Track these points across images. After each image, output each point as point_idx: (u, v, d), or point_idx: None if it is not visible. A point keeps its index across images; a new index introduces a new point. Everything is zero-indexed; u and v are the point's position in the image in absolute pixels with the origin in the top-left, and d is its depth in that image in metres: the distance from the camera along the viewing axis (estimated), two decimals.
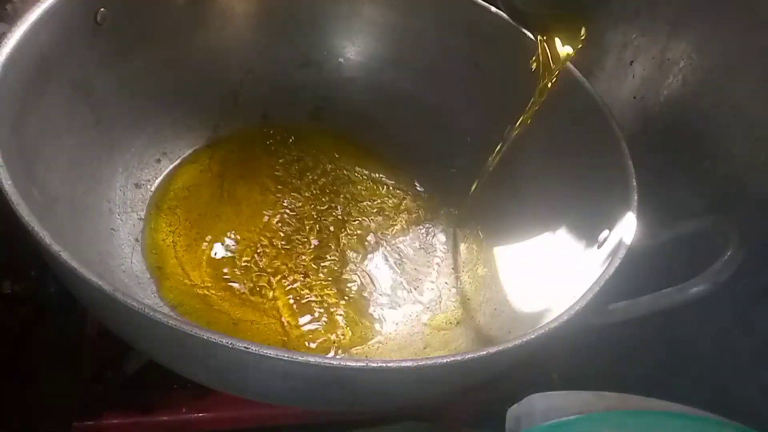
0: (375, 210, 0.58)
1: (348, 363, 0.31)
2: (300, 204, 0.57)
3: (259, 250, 0.52)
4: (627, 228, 0.41)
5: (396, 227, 0.57)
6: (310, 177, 0.59)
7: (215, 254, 0.51)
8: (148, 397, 0.47)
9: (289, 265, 0.52)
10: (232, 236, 0.53)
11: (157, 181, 0.54)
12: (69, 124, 0.46)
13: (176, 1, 0.52)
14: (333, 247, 0.54)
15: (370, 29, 0.59)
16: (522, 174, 0.55)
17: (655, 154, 0.50)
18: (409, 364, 0.32)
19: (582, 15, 0.49)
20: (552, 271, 0.47)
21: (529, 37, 0.52)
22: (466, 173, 0.59)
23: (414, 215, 0.59)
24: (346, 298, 0.51)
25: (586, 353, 0.53)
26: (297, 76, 0.60)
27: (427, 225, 0.58)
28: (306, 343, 0.48)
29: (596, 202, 0.46)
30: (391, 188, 0.60)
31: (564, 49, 0.48)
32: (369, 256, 0.54)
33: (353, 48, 0.60)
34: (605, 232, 0.43)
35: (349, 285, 0.52)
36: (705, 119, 0.46)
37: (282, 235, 0.54)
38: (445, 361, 0.33)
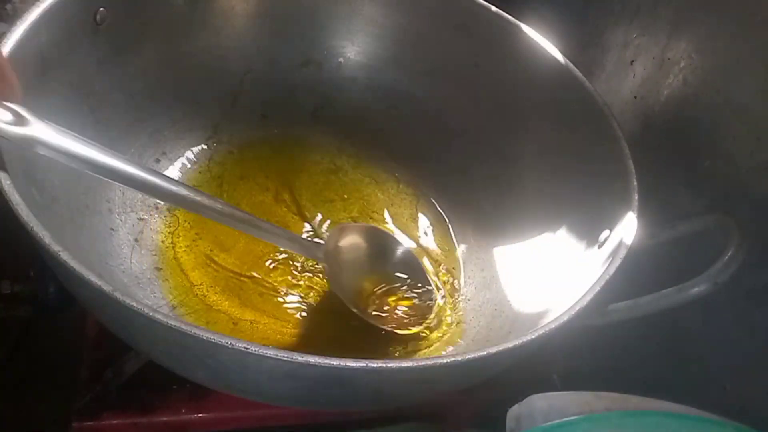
0: (375, 209, 0.58)
1: (348, 363, 0.31)
2: (300, 204, 0.57)
3: (258, 251, 0.52)
4: (628, 228, 0.40)
5: (396, 227, 0.57)
6: (311, 177, 0.59)
7: (214, 255, 0.51)
8: (148, 398, 0.47)
9: (289, 265, 0.52)
10: (232, 237, 0.52)
11: None
12: (68, 124, 0.45)
13: (176, 1, 0.52)
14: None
15: (370, 29, 0.58)
16: (522, 174, 0.55)
17: (655, 153, 0.50)
18: (409, 364, 0.32)
19: None
20: (552, 272, 0.47)
21: (528, 37, 0.52)
22: (467, 173, 0.59)
23: (414, 215, 0.59)
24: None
25: (587, 353, 0.53)
26: (297, 76, 0.60)
27: (427, 225, 0.58)
28: (305, 343, 0.48)
29: (597, 201, 0.46)
30: (391, 188, 0.60)
31: None
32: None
33: (353, 48, 0.60)
34: (606, 232, 0.43)
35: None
36: (705, 119, 0.46)
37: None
38: (445, 361, 0.33)
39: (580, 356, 0.54)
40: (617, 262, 0.38)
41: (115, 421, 0.46)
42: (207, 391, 0.47)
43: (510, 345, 0.33)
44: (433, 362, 0.33)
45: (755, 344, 0.42)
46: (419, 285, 0.52)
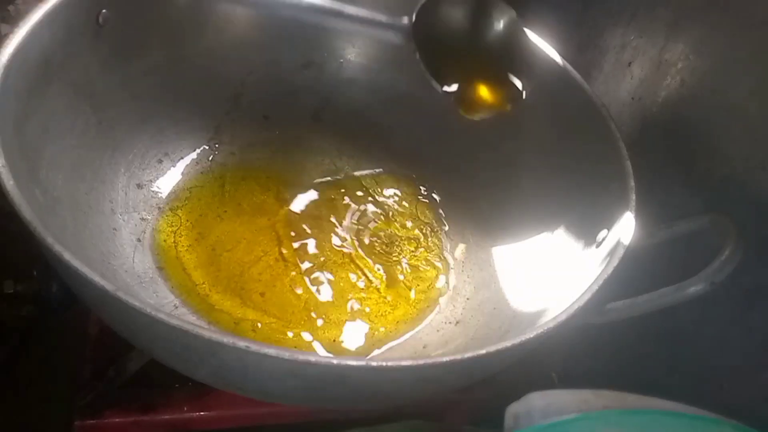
0: (375, 210, 0.59)
1: (348, 362, 0.31)
2: (301, 204, 0.57)
3: (260, 250, 0.53)
4: (625, 228, 0.41)
5: (396, 227, 0.58)
6: (311, 178, 0.59)
7: (217, 255, 0.51)
8: (150, 396, 0.47)
9: (290, 265, 0.52)
10: (234, 237, 0.53)
11: (159, 182, 0.54)
12: (71, 125, 0.46)
13: (178, 3, 0.52)
14: (333, 247, 0.54)
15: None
16: (521, 174, 0.55)
17: (653, 154, 0.50)
18: (409, 363, 0.32)
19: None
20: (551, 271, 0.47)
21: (527, 39, 0.53)
22: (466, 173, 0.59)
23: (414, 215, 0.59)
24: (346, 297, 0.51)
25: (585, 352, 0.53)
26: (298, 77, 0.60)
27: (427, 225, 0.58)
28: (305, 343, 0.48)
29: (594, 202, 0.46)
30: (391, 188, 0.60)
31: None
32: (369, 255, 0.55)
33: (353, 49, 0.60)
34: (604, 232, 0.43)
35: (348, 285, 0.52)
36: (703, 120, 0.46)
37: (282, 235, 0.54)
38: (444, 360, 0.33)
39: (579, 355, 0.54)
40: (615, 262, 0.39)
41: (117, 420, 0.46)
42: (209, 389, 0.47)
43: (509, 344, 0.34)
44: (432, 361, 0.33)
45: (752, 343, 0.42)
46: (516, 65, 0.48)
